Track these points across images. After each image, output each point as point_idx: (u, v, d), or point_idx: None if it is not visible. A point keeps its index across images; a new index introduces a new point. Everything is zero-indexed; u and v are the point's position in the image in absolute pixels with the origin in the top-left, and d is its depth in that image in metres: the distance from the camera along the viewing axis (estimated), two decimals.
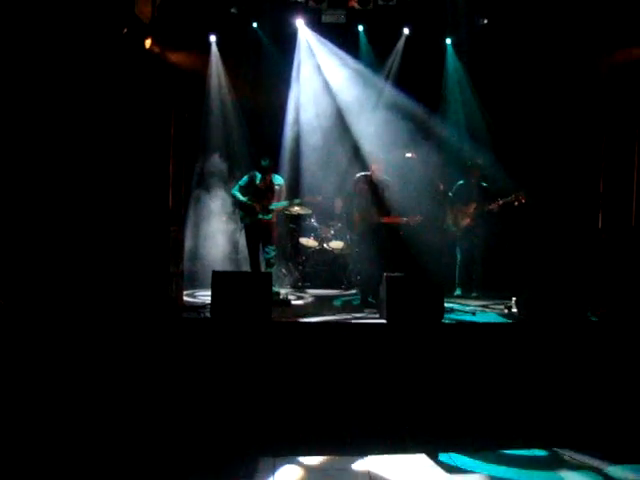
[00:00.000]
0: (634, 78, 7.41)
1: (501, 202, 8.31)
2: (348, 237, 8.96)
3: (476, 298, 8.23)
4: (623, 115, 7.61)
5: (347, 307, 7.60)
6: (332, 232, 9.24)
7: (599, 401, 5.55)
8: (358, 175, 7.95)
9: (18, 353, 5.38)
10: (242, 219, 8.19)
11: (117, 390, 5.37)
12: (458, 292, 8.46)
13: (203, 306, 6.94)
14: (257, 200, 8.01)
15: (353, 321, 6.64)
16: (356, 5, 8.96)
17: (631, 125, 7.48)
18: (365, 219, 7.75)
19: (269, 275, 6.48)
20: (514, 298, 7.21)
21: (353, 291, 8.75)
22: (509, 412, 5.47)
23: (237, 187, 8.16)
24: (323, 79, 9.67)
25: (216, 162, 9.07)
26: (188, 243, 8.54)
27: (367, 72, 9.68)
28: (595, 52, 7.90)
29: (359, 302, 7.75)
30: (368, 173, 7.89)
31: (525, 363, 5.87)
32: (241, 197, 8.05)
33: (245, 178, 8.18)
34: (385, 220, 7.70)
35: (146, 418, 5.15)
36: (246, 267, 8.39)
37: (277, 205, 8.13)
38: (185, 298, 7.39)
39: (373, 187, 7.80)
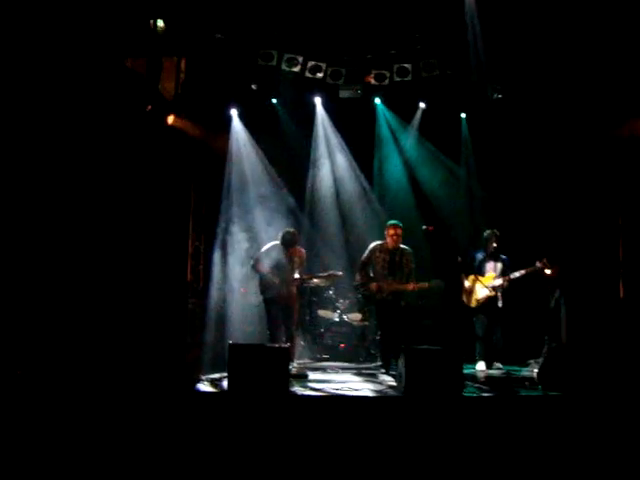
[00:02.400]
0: None
1: (524, 272, 8.11)
2: (366, 309, 8.92)
3: (498, 370, 8.07)
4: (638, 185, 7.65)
5: (366, 380, 7.48)
6: (349, 304, 9.21)
7: None
8: (373, 244, 7.96)
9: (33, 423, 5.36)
10: (262, 292, 8.10)
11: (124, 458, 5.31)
12: (481, 365, 8.28)
13: (220, 378, 6.88)
14: (279, 273, 7.97)
15: (371, 395, 6.54)
16: (372, 81, 9.21)
17: None
18: (382, 289, 7.72)
19: (286, 349, 6.45)
20: (535, 370, 7.06)
21: (372, 364, 8.63)
22: None
23: (257, 259, 8.05)
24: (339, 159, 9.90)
25: (237, 236, 9.08)
26: (214, 320, 8.48)
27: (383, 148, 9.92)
28: (610, 123, 8.01)
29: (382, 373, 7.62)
30: (383, 242, 7.89)
31: (547, 437, 5.71)
32: (261, 270, 8.01)
33: (266, 249, 8.08)
34: (409, 287, 7.66)
35: None
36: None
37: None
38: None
39: (390, 256, 7.80)
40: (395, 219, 8.02)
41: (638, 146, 7.79)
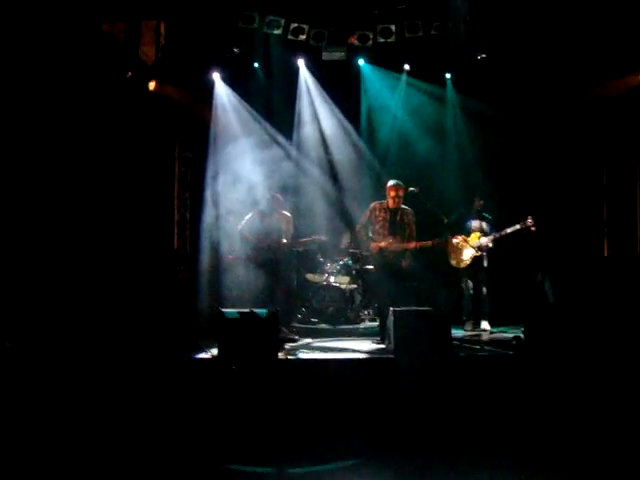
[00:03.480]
0: (631, 107, 7.49)
1: (508, 230, 8.19)
2: (354, 272, 8.94)
3: (486, 331, 8.17)
4: (623, 143, 7.67)
5: (355, 341, 7.55)
6: (337, 267, 9.24)
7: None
8: (373, 204, 7.78)
9: (23, 395, 5.38)
10: (250, 258, 8.08)
11: (123, 429, 5.36)
12: (468, 326, 8.38)
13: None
14: (265, 238, 7.94)
15: (360, 357, 6.61)
16: (356, 42, 9.09)
17: (631, 153, 7.53)
18: (382, 248, 7.59)
19: (275, 314, 6.47)
20: (522, 329, 7.16)
21: (360, 326, 8.70)
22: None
23: (244, 224, 8.03)
24: (324, 119, 9.78)
25: (225, 200, 8.99)
26: (206, 287, 8.46)
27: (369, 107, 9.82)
28: (594, 82, 7.99)
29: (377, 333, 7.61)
30: (384, 201, 7.73)
31: (529, 393, 5.82)
32: (248, 236, 8.00)
33: (252, 214, 8.05)
34: (411, 246, 7.54)
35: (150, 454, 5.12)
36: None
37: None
38: None
39: (390, 215, 7.68)
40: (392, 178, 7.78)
41: (622, 105, 7.79)
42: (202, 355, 6.53)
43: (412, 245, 7.57)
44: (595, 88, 8.07)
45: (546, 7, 7.78)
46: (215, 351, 6.51)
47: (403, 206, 7.70)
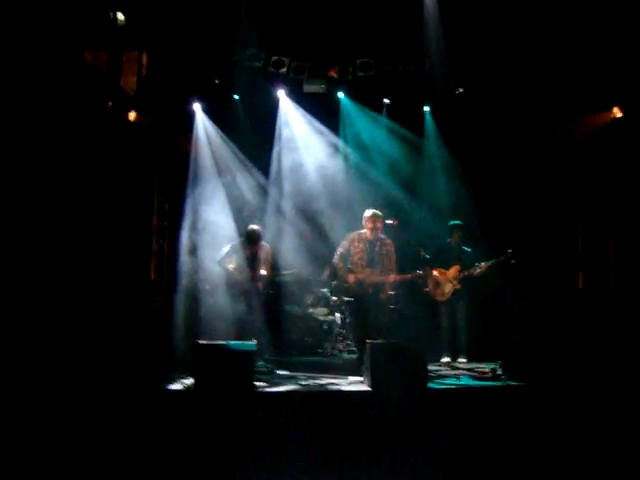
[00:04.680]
0: (602, 143, 7.66)
1: (489, 263, 8.14)
2: (332, 303, 8.92)
3: (463, 363, 8.15)
4: (596, 178, 7.82)
5: (333, 373, 7.51)
6: (316, 299, 9.22)
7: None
8: (351, 234, 7.66)
9: None
10: (228, 289, 8.07)
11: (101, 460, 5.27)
12: (446, 359, 8.37)
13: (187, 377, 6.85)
14: (243, 270, 7.93)
15: (337, 389, 6.58)
16: (335, 75, 9.22)
17: (604, 188, 7.68)
18: (360, 280, 7.51)
19: (251, 346, 6.45)
20: (499, 361, 7.19)
21: (339, 357, 8.67)
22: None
23: (223, 257, 8.05)
24: (305, 149, 9.82)
25: (202, 232, 8.98)
26: (183, 318, 8.38)
27: (348, 138, 9.89)
28: (567, 118, 8.16)
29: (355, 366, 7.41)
30: (362, 231, 7.61)
31: (510, 426, 5.83)
32: (226, 268, 8.00)
33: (230, 247, 8.09)
34: (390, 279, 7.44)
35: None
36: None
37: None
38: None
39: (369, 246, 7.54)
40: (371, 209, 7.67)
41: (595, 141, 7.96)
42: (176, 387, 6.48)
43: (391, 278, 7.49)
44: (568, 124, 8.25)
45: (519, 46, 7.97)
46: (188, 382, 6.48)
47: (382, 236, 7.62)
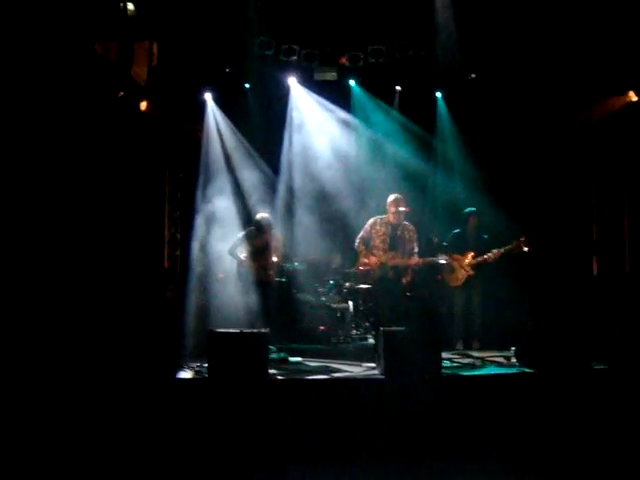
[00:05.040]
0: (617, 128, 7.56)
1: (502, 250, 8.12)
2: (345, 291, 8.91)
3: (477, 350, 8.12)
4: (611, 163, 7.73)
5: (346, 360, 7.51)
6: (328, 286, 9.22)
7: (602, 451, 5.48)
8: (373, 218, 7.80)
9: None
10: (241, 279, 8.09)
11: (113, 451, 5.31)
12: (459, 345, 8.34)
13: (201, 365, 6.88)
14: (255, 258, 7.96)
15: (351, 376, 6.58)
16: (346, 63, 9.15)
17: (619, 173, 7.59)
18: (383, 263, 7.56)
19: (265, 334, 6.46)
20: (513, 348, 7.16)
21: (352, 345, 8.66)
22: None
23: (234, 246, 8.10)
24: (317, 134, 9.76)
25: (214, 220, 8.99)
26: (195, 307, 8.38)
27: (360, 126, 9.82)
28: (581, 103, 8.06)
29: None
30: (384, 216, 7.73)
31: (523, 414, 5.82)
32: (238, 256, 8.01)
33: (241, 236, 8.15)
34: (413, 262, 7.47)
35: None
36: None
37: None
38: None
39: (391, 229, 7.64)
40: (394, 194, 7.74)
41: (609, 126, 7.87)
42: (188, 375, 6.51)
43: (414, 261, 7.52)
44: (583, 110, 8.16)
45: (532, 30, 7.87)
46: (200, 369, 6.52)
47: (405, 222, 7.67)
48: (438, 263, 7.59)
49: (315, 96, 9.67)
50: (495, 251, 8.18)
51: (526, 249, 7.94)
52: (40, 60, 6.57)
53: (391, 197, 7.74)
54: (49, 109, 6.51)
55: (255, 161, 9.52)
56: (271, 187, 9.40)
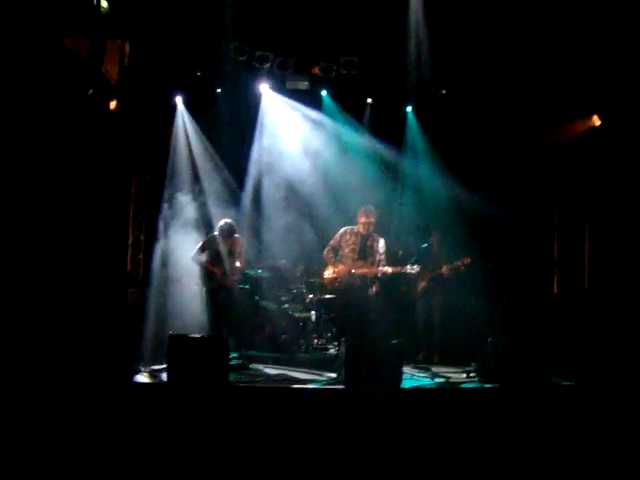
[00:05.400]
0: (581, 151, 7.74)
1: (451, 265, 8.20)
2: (307, 300, 8.90)
3: (437, 364, 8.17)
4: (573, 185, 7.89)
5: (307, 369, 7.49)
6: (292, 295, 9.20)
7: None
8: (344, 228, 7.93)
9: None
10: (204, 283, 8.05)
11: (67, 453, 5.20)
12: (420, 357, 8.38)
13: (160, 369, 6.80)
14: (218, 264, 7.94)
15: (311, 386, 6.57)
16: (319, 73, 9.18)
17: (580, 195, 7.76)
18: (350, 271, 7.65)
19: (225, 340, 6.43)
20: (474, 363, 7.23)
21: (313, 355, 8.63)
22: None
23: (197, 251, 8.07)
24: (287, 140, 9.75)
25: (178, 225, 8.89)
26: (156, 310, 8.29)
27: (330, 135, 9.84)
28: (543, 126, 8.22)
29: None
30: (355, 227, 7.85)
31: (482, 428, 5.87)
32: (201, 262, 7.97)
33: (204, 241, 8.11)
34: (381, 271, 7.54)
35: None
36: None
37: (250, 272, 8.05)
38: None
39: (361, 239, 7.75)
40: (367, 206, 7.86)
41: (573, 149, 8.04)
42: (145, 379, 6.43)
43: (383, 270, 7.60)
44: (549, 131, 8.33)
45: (503, 50, 8.01)
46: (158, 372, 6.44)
47: (374, 234, 7.81)
48: (407, 273, 7.64)
49: (287, 102, 9.66)
50: (444, 266, 8.24)
51: (463, 269, 8.08)
52: (7, 52, 6.43)
53: (361, 209, 7.88)
54: (13, 104, 6.37)
55: (220, 167, 9.49)
56: (236, 193, 9.37)
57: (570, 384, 6.70)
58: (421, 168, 9.62)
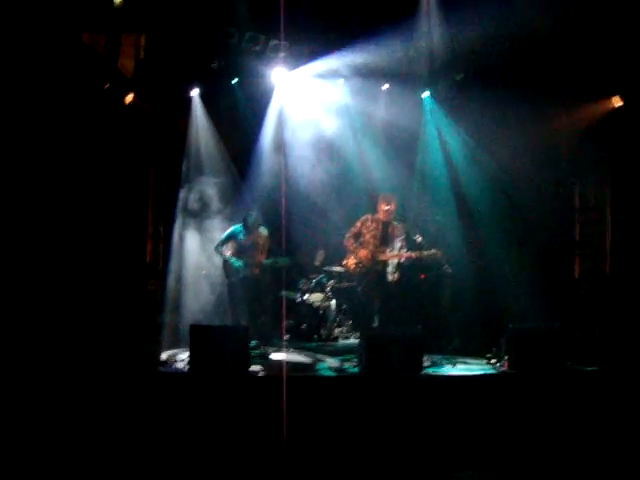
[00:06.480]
0: (601, 133, 7.62)
1: (414, 255, 7.91)
2: (328, 289, 8.90)
3: (457, 350, 8.10)
4: (595, 166, 7.78)
5: (328, 358, 7.50)
6: (312, 284, 9.20)
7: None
8: (365, 215, 8.03)
9: None
10: (227, 276, 8.12)
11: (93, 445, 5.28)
12: (442, 344, 8.32)
13: (182, 360, 6.87)
14: (242, 256, 7.98)
15: (332, 374, 6.59)
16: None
17: (602, 177, 7.65)
18: (373, 256, 7.76)
19: (246, 329, 6.47)
20: (494, 349, 7.19)
21: (334, 343, 8.64)
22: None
23: (220, 243, 8.12)
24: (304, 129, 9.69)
25: (198, 217, 8.93)
26: (172, 301, 8.35)
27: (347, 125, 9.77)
28: (564, 107, 8.11)
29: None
30: (376, 214, 7.96)
31: (503, 414, 5.86)
32: (226, 255, 8.02)
33: (228, 233, 8.17)
34: (404, 256, 7.66)
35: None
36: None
37: (275, 261, 8.05)
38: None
39: (382, 226, 7.85)
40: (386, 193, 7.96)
41: (591, 129, 7.90)
42: (172, 369, 6.50)
43: (405, 255, 7.71)
44: (564, 113, 8.20)
45: (519, 31, 7.88)
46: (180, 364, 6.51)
47: (394, 222, 7.91)
48: (431, 256, 7.61)
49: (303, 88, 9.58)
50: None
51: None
52: (26, 49, 6.49)
53: (381, 195, 7.97)
54: (32, 100, 6.43)
55: (238, 158, 9.45)
56: (253, 184, 9.35)
57: (594, 369, 6.66)
58: (439, 152, 9.49)
